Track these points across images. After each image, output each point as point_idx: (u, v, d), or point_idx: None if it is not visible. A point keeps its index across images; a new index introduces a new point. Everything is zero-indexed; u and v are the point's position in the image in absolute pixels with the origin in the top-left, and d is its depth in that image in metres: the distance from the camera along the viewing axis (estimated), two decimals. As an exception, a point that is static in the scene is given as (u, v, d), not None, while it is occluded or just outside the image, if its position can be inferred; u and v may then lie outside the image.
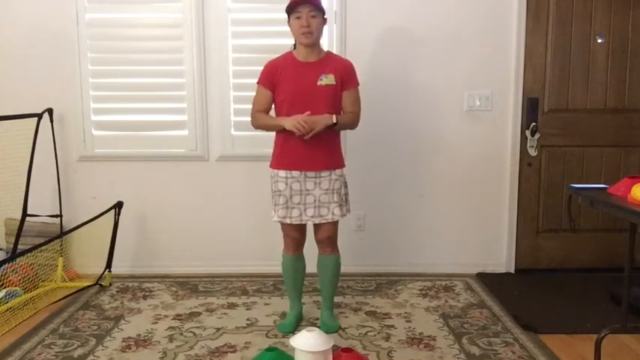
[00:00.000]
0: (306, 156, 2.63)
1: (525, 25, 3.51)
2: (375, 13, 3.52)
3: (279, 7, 3.47)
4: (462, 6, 3.53)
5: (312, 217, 2.68)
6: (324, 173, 2.66)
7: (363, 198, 3.56)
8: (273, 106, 2.73)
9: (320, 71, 2.62)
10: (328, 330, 2.66)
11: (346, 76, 2.67)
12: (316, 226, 2.75)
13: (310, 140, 2.58)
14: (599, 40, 3.54)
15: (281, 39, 3.50)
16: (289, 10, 2.62)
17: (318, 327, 2.53)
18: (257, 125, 2.76)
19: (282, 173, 2.68)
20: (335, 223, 2.75)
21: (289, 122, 2.56)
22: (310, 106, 2.58)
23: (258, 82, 2.71)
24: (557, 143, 3.62)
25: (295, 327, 2.78)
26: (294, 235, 2.75)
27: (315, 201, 2.67)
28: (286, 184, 2.66)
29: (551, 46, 3.55)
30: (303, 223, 2.71)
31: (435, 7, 3.52)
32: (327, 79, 2.61)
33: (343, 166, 2.74)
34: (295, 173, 2.65)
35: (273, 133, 2.76)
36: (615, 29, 3.54)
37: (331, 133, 2.67)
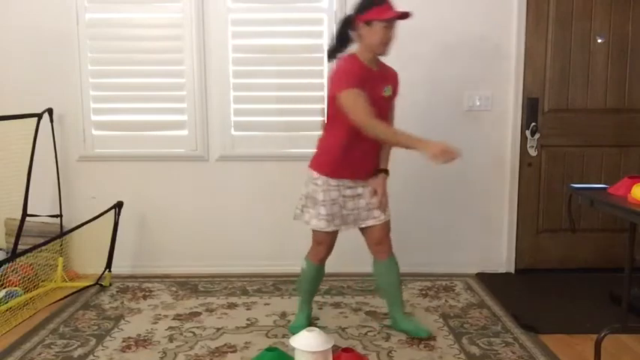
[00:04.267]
0: (364, 166, 2.62)
1: (525, 25, 3.51)
2: (375, 13, 3.51)
3: (278, 7, 3.52)
4: (462, 6, 3.53)
5: (365, 219, 2.64)
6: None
7: (363, 198, 3.57)
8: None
9: (384, 81, 2.58)
10: (422, 333, 2.68)
11: (397, 87, 2.68)
12: (369, 230, 2.69)
13: (370, 151, 2.59)
14: (599, 40, 3.54)
15: (281, 39, 3.53)
16: (378, 16, 2.43)
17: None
18: (379, 133, 2.43)
19: (333, 182, 2.57)
20: (389, 222, 2.73)
21: (433, 150, 2.31)
22: (378, 117, 2.46)
23: (351, 87, 2.40)
24: (557, 143, 3.62)
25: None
26: (330, 242, 2.68)
27: (367, 204, 2.63)
28: (339, 191, 2.58)
29: (551, 46, 3.55)
30: (355, 227, 2.67)
31: (435, 8, 3.52)
32: (388, 91, 2.59)
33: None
34: (348, 182, 2.60)
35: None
36: (615, 29, 3.54)
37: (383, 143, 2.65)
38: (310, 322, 2.83)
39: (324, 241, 2.67)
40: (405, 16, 2.44)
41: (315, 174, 2.60)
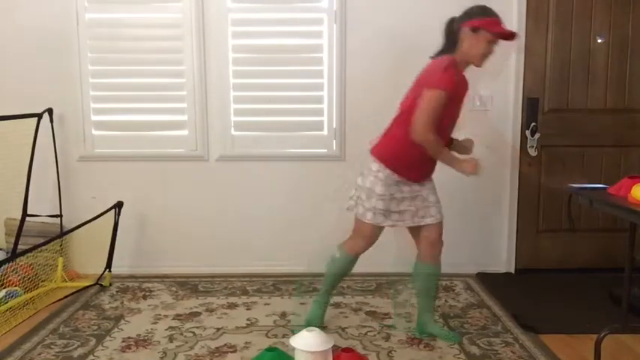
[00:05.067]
0: (426, 168, 2.60)
1: (525, 25, 3.51)
2: (375, 12, 3.52)
3: (278, 7, 3.52)
4: (462, 6, 3.51)
5: (423, 217, 2.60)
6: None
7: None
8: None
9: (461, 90, 2.55)
10: (454, 339, 2.67)
11: (466, 97, 2.65)
12: (425, 229, 2.62)
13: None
14: (599, 40, 3.54)
15: (281, 39, 3.53)
16: (487, 27, 2.42)
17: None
18: (429, 143, 2.42)
19: (395, 177, 2.53)
20: (442, 223, 2.66)
21: (468, 168, 2.42)
22: (449, 124, 2.57)
23: (442, 89, 2.37)
24: (557, 143, 3.62)
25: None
26: (375, 238, 2.64)
27: (424, 202, 2.59)
28: (398, 187, 2.54)
29: (551, 46, 3.55)
30: (412, 225, 2.62)
31: (435, 7, 3.51)
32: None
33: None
34: (408, 181, 2.58)
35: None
36: (615, 29, 3.54)
37: None
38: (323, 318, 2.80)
39: (370, 236, 2.62)
40: (512, 36, 2.42)
41: (377, 166, 2.54)
